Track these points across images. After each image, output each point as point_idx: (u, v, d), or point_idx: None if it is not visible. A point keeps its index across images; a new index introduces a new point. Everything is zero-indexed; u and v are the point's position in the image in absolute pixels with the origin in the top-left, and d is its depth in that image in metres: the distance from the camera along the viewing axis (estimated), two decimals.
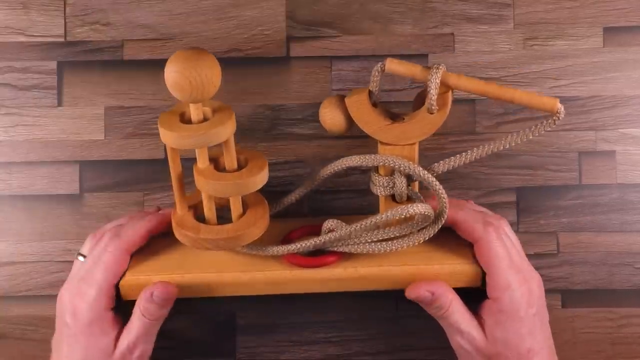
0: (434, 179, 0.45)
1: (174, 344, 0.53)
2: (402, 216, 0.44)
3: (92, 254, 0.47)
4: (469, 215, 0.47)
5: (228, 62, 0.52)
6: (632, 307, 0.53)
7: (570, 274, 0.53)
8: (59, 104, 0.54)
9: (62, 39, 0.54)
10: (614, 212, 0.53)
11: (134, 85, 0.53)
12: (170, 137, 0.43)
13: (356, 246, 0.46)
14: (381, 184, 0.46)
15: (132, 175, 0.53)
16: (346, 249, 0.47)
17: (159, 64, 0.51)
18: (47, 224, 0.53)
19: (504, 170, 0.53)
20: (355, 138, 0.53)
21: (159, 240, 0.49)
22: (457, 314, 0.46)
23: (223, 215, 0.47)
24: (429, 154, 0.53)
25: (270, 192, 0.53)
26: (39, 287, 0.53)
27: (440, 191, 0.45)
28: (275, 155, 0.53)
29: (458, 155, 0.45)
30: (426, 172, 0.45)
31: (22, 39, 0.54)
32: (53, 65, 0.54)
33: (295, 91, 0.53)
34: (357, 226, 0.45)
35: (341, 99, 0.45)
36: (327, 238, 0.46)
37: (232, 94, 0.53)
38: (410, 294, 0.47)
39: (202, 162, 0.45)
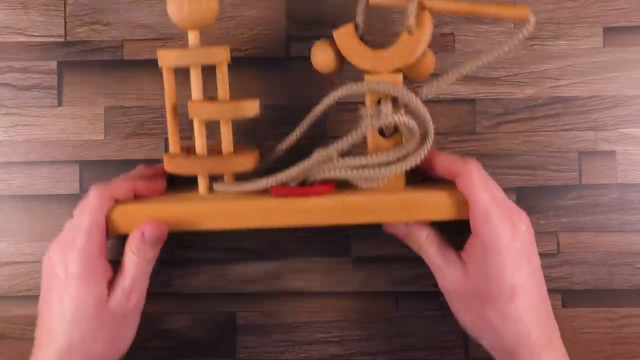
0: (419, 100, 0.46)
1: (174, 344, 0.53)
2: (389, 128, 0.47)
3: (78, 206, 0.47)
4: (447, 155, 0.47)
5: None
6: (632, 307, 0.53)
7: (570, 273, 0.53)
8: (59, 103, 0.54)
9: (62, 39, 0.54)
10: (614, 212, 0.53)
11: (134, 85, 0.53)
12: (167, 56, 0.47)
13: (343, 171, 0.47)
14: (367, 113, 0.47)
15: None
16: (332, 175, 0.47)
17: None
18: (47, 224, 0.53)
19: (504, 170, 0.53)
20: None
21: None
22: (433, 247, 0.46)
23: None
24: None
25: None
26: (38, 287, 0.53)
27: (424, 113, 0.46)
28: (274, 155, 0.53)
29: (442, 76, 0.47)
30: (411, 92, 0.46)
31: (22, 38, 0.54)
32: (53, 65, 0.54)
33: (295, 91, 0.53)
34: (347, 159, 0.47)
35: (331, 39, 0.48)
36: (314, 162, 0.47)
37: (232, 94, 0.53)
38: (388, 227, 0.48)
39: (197, 94, 0.48)
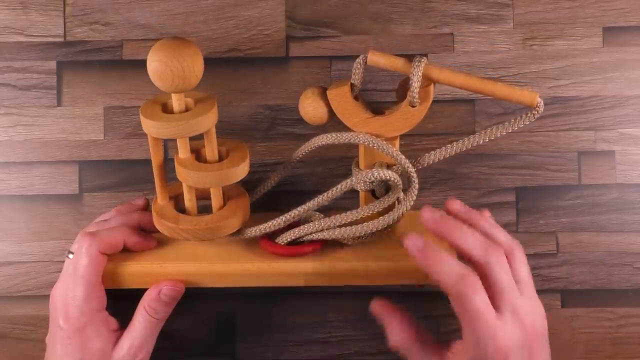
0: (407, 161, 0.45)
1: (174, 344, 0.53)
2: (371, 183, 0.46)
3: (75, 253, 0.47)
4: (440, 268, 0.44)
5: (228, 62, 0.52)
6: (631, 307, 0.53)
7: (570, 273, 0.53)
8: (59, 103, 0.53)
9: (61, 39, 0.53)
10: (613, 212, 0.53)
11: (133, 85, 0.53)
12: (151, 126, 0.43)
13: (331, 231, 0.47)
14: (361, 178, 0.46)
15: (131, 175, 0.53)
16: (321, 235, 0.47)
17: None
18: (46, 224, 0.53)
19: (504, 170, 0.53)
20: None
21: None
22: (415, 353, 0.46)
23: (206, 209, 0.48)
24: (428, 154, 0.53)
25: (271, 192, 0.53)
26: (38, 287, 0.53)
27: (409, 169, 0.45)
28: (275, 155, 0.53)
29: (438, 150, 0.46)
30: (400, 154, 0.45)
31: (22, 39, 0.53)
32: (52, 65, 0.53)
33: (295, 91, 0.53)
34: (334, 217, 0.46)
35: (323, 90, 0.46)
36: (296, 216, 0.47)
37: (232, 94, 0.53)
38: (374, 308, 0.48)
39: (184, 153, 0.46)
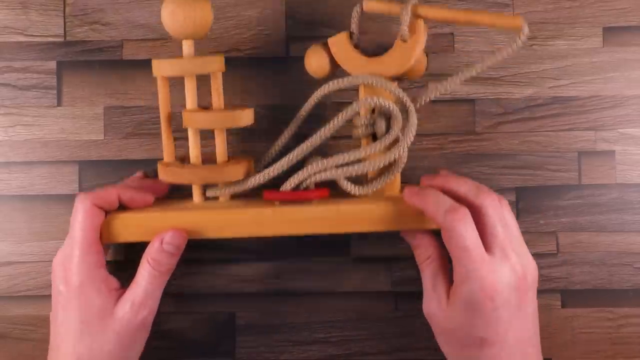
0: (405, 95, 0.47)
1: (173, 344, 0.53)
2: (371, 123, 0.48)
3: (71, 219, 0.47)
4: (432, 202, 0.45)
5: (228, 62, 0.51)
6: (631, 307, 0.53)
7: (570, 273, 0.53)
8: (59, 103, 0.53)
9: (61, 39, 0.53)
10: (614, 212, 0.53)
11: (133, 85, 0.53)
12: (161, 65, 0.47)
13: (333, 171, 0.48)
14: (361, 123, 0.48)
15: (131, 175, 0.53)
16: (323, 176, 0.48)
17: None
18: (46, 224, 0.53)
19: (504, 170, 0.53)
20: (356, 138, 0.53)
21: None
22: (428, 271, 0.47)
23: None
24: (429, 153, 0.53)
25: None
26: (38, 287, 0.53)
27: (407, 103, 0.47)
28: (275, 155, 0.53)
29: (437, 85, 0.48)
30: (399, 88, 0.47)
31: (22, 38, 0.53)
32: (52, 65, 0.53)
33: (295, 91, 0.53)
34: (336, 157, 0.48)
35: (325, 44, 0.49)
36: (299, 153, 0.48)
37: (232, 93, 0.53)
38: (402, 233, 0.49)
39: (191, 103, 0.48)
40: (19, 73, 0.53)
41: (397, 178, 0.49)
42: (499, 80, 0.53)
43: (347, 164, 0.48)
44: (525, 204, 0.53)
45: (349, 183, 0.49)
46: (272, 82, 0.53)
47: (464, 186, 0.46)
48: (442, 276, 0.47)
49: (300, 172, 0.48)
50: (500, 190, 0.53)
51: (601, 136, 0.53)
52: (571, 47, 0.53)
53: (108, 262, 0.48)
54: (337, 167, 0.48)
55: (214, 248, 0.53)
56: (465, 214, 0.44)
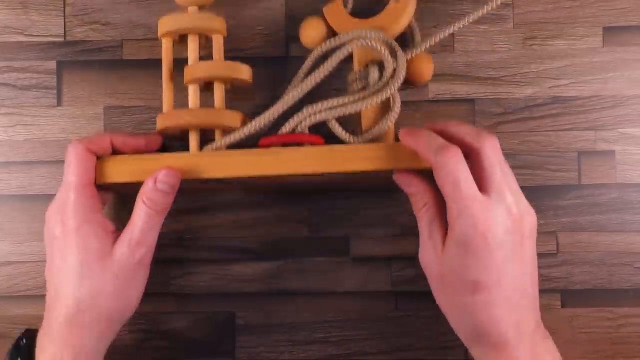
0: (395, 43, 0.49)
1: (173, 344, 0.53)
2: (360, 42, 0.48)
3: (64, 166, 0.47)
4: (424, 141, 0.45)
5: None
6: (631, 307, 0.53)
7: (570, 274, 0.53)
8: (59, 103, 0.53)
9: (61, 39, 0.54)
10: (614, 212, 0.53)
11: (133, 85, 0.53)
12: (166, 21, 0.49)
13: (325, 113, 0.48)
14: (355, 78, 0.49)
15: None
16: (316, 119, 0.48)
17: (159, 64, 0.51)
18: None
19: None
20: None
21: None
22: (425, 219, 0.46)
23: None
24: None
25: (271, 193, 0.53)
26: (38, 287, 0.53)
27: (397, 50, 0.48)
28: None
29: (433, 36, 0.50)
30: (389, 38, 0.49)
31: (22, 39, 0.53)
32: (52, 65, 0.53)
33: None
34: (329, 101, 0.49)
35: (320, 16, 0.51)
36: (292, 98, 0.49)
37: (231, 94, 0.53)
38: (397, 178, 0.48)
39: (193, 60, 0.50)
40: (19, 73, 0.53)
41: (391, 130, 0.49)
42: (499, 80, 0.53)
43: (340, 106, 0.48)
44: None
45: (344, 131, 0.49)
46: (272, 82, 0.53)
47: (464, 129, 0.45)
48: (438, 223, 0.45)
49: (295, 116, 0.48)
50: None
51: (601, 136, 0.53)
52: (571, 47, 0.53)
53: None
54: (330, 109, 0.49)
55: (214, 248, 0.53)
56: (457, 152, 0.43)
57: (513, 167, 0.52)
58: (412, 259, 0.52)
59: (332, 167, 0.47)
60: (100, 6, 0.53)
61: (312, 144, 0.48)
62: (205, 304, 0.53)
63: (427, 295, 0.53)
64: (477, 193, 0.43)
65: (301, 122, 0.49)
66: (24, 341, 0.47)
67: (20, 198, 0.53)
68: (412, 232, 0.53)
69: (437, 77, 0.53)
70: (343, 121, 0.50)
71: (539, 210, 0.52)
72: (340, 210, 0.53)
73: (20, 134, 0.53)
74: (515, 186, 0.45)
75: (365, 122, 0.50)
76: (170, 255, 0.53)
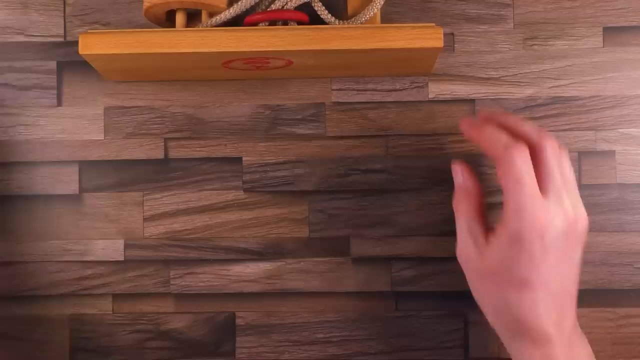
0: None
1: (173, 344, 0.53)
2: None
3: None
4: (491, 136, 0.45)
5: None
6: (632, 307, 0.53)
7: None
8: (59, 103, 0.53)
9: (61, 39, 0.54)
10: (614, 212, 0.53)
11: (134, 85, 0.53)
12: None
13: None
14: None
15: (131, 175, 0.53)
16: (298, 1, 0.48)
17: None
18: (46, 224, 0.53)
19: None
20: (355, 138, 0.53)
21: None
22: (465, 214, 0.47)
23: None
24: (429, 153, 0.53)
25: (271, 192, 0.53)
26: (38, 287, 0.53)
27: None
28: (275, 155, 0.53)
29: None
30: None
31: (22, 38, 0.53)
32: (53, 65, 0.53)
33: (295, 91, 0.53)
34: None
35: None
36: None
37: (232, 93, 0.53)
38: (453, 165, 0.49)
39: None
40: (19, 73, 0.53)
41: (376, 16, 0.50)
42: (499, 80, 0.53)
43: None
44: None
45: (329, 14, 0.49)
46: (272, 82, 0.53)
47: (525, 126, 0.46)
48: (477, 218, 0.46)
49: None
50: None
51: (601, 136, 0.53)
52: (571, 47, 0.53)
53: None
54: None
55: (214, 248, 0.53)
56: (524, 150, 0.43)
57: None
58: (412, 259, 0.52)
59: (315, 45, 0.46)
60: (100, 6, 0.53)
61: (297, 21, 0.48)
62: (205, 304, 0.53)
63: (427, 295, 0.53)
64: (537, 193, 0.43)
65: (286, 3, 0.48)
66: None
67: (21, 198, 0.53)
68: (412, 232, 0.53)
69: (437, 77, 0.53)
70: (328, 7, 0.50)
71: None
72: (340, 210, 0.53)
73: (20, 134, 0.53)
74: (573, 188, 0.45)
75: (350, 8, 0.50)
76: (170, 255, 0.53)
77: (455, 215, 0.48)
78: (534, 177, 0.44)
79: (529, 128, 0.46)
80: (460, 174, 0.48)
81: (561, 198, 0.44)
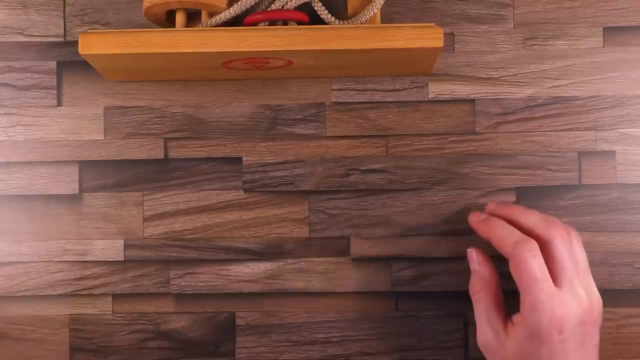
0: None
1: (173, 344, 0.53)
2: None
3: None
4: (500, 233, 0.46)
5: None
6: (632, 307, 0.53)
7: None
8: (59, 103, 0.53)
9: (61, 39, 0.54)
10: (614, 212, 0.53)
11: (134, 85, 0.53)
12: None
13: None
14: None
15: (131, 175, 0.53)
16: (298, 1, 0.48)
17: None
18: (46, 224, 0.53)
19: (504, 170, 0.53)
20: (355, 138, 0.53)
21: None
22: (484, 303, 0.47)
23: None
24: (429, 153, 0.53)
25: (271, 192, 0.53)
26: (38, 287, 0.53)
27: None
28: (275, 155, 0.53)
29: None
30: None
31: (22, 38, 0.53)
32: (52, 65, 0.53)
33: (295, 91, 0.53)
34: None
35: None
36: None
37: (232, 93, 0.53)
38: (469, 252, 0.49)
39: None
40: (19, 73, 0.53)
41: (376, 16, 0.50)
42: (499, 80, 0.53)
43: None
44: (525, 204, 0.53)
45: (329, 14, 0.49)
46: (272, 82, 0.53)
47: (532, 219, 0.47)
48: (495, 309, 0.47)
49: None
50: (501, 190, 0.53)
51: (601, 136, 0.53)
52: (571, 47, 0.53)
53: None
54: None
55: (213, 248, 0.53)
56: (534, 246, 0.44)
57: (513, 167, 0.53)
58: (412, 259, 0.52)
59: (315, 45, 0.46)
60: (100, 6, 0.53)
61: (297, 21, 0.48)
62: (205, 304, 0.53)
63: (427, 295, 0.53)
64: (552, 288, 0.44)
65: (287, 3, 0.48)
66: None
67: (20, 198, 0.53)
68: (412, 232, 0.53)
69: (437, 77, 0.53)
70: (328, 7, 0.50)
71: (538, 210, 0.53)
72: (340, 210, 0.53)
73: (20, 134, 0.53)
74: (585, 271, 0.46)
75: (350, 8, 0.50)
76: (170, 255, 0.53)
77: (473, 301, 0.48)
78: (547, 271, 0.44)
79: (535, 219, 0.46)
80: (476, 261, 0.49)
81: (575, 287, 0.45)
